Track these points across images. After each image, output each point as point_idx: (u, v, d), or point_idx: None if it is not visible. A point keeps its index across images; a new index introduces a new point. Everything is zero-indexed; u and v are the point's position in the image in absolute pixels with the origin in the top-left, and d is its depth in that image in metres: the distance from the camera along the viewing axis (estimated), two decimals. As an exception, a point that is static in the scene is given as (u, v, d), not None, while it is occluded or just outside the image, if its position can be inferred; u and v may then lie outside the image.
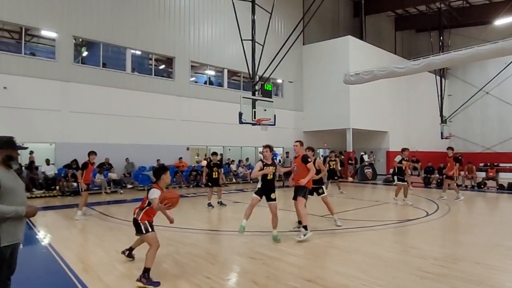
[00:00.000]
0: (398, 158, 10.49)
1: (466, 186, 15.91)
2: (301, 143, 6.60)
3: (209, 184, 10.39)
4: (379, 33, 28.65)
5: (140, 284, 4.10)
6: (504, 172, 21.74)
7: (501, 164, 24.88)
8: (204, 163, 17.24)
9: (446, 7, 25.65)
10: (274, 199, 6.20)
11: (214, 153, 10.79)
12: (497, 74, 24.66)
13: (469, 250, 5.87)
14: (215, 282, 4.34)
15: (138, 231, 4.40)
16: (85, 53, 15.82)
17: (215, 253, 5.71)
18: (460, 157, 11.91)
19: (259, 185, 6.25)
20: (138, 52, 16.73)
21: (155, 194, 4.24)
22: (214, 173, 10.30)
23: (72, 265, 4.94)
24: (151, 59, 17.08)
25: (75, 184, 12.41)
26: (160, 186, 4.38)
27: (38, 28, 13.79)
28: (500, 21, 22.36)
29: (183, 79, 17.57)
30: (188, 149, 17.52)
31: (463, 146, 30.49)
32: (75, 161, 13.43)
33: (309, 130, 23.36)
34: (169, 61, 17.64)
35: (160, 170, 4.47)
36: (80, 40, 15.24)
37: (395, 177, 10.50)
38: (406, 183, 10.58)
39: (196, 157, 19.11)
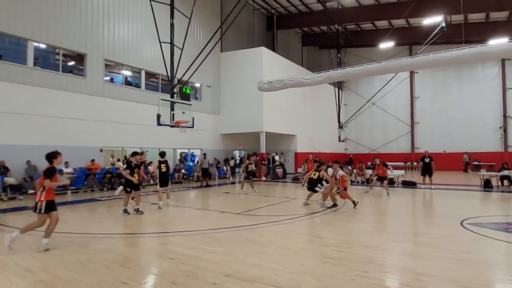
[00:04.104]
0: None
1: (357, 182, 17.96)
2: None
3: (128, 189, 8.91)
4: (288, 47, 30.34)
5: None
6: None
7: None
8: (119, 164, 16.00)
9: (342, 30, 28.70)
10: None
11: (135, 153, 9.30)
12: (381, 89, 28.51)
13: (360, 236, 6.62)
14: (131, 287, 4.05)
15: None
16: (-26, 42, 13.27)
17: (132, 257, 5.34)
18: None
19: None
20: (43, 46, 14.71)
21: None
22: (135, 175, 8.93)
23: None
24: (58, 53, 15.16)
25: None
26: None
27: None
28: (384, 45, 25.92)
29: (96, 77, 15.98)
30: (101, 150, 16.03)
31: (355, 148, 34.41)
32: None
33: (226, 133, 23.55)
34: (80, 58, 15.90)
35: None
36: (-32, 26, 12.73)
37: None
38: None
39: (111, 159, 17.59)
